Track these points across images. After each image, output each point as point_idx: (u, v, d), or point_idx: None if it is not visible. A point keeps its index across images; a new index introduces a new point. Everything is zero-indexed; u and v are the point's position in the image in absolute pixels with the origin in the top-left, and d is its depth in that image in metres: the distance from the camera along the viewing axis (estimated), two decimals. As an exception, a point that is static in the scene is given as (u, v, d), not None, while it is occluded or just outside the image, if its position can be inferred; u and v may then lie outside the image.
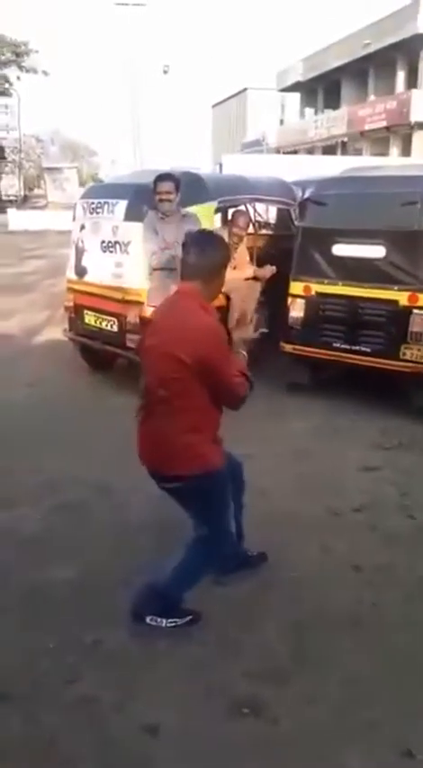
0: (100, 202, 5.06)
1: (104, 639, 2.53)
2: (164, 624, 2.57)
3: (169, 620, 2.58)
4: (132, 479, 3.83)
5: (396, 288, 4.49)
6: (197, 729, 2.15)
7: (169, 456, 2.42)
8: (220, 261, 2.41)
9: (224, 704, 2.24)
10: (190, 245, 2.41)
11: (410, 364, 4.46)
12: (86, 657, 2.45)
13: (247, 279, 5.67)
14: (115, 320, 5.02)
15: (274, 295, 5.43)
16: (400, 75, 25.31)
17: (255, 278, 5.58)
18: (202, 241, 2.43)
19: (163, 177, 4.50)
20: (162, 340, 2.37)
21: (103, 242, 5.03)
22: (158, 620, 2.57)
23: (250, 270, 5.87)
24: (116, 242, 4.92)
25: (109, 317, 5.09)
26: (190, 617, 2.61)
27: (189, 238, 2.47)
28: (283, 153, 28.22)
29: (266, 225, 7.20)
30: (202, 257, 2.36)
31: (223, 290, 5.36)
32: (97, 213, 5.10)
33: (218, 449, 2.50)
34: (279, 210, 6.41)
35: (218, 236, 2.54)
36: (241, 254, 5.92)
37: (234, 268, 5.80)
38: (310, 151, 28.68)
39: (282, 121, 37.51)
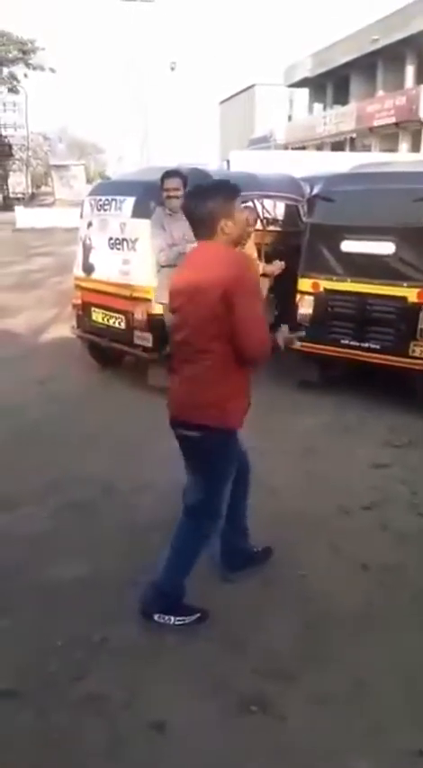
0: (107, 199, 5.06)
1: (112, 637, 2.52)
2: (172, 622, 2.57)
3: (177, 618, 2.58)
4: (141, 477, 3.85)
5: (405, 284, 4.46)
6: (204, 726, 2.14)
7: (195, 405, 2.43)
8: (220, 210, 2.32)
9: (232, 701, 2.23)
10: (187, 202, 2.44)
11: (420, 361, 4.42)
12: (94, 655, 2.45)
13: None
14: (123, 317, 5.02)
15: (282, 292, 5.41)
16: (410, 71, 25.11)
17: (263, 274, 5.55)
18: (195, 195, 2.42)
19: (170, 174, 4.48)
20: (191, 288, 2.36)
21: (111, 239, 5.02)
22: (166, 617, 2.58)
23: (258, 266, 5.85)
24: (124, 239, 4.91)
25: (117, 315, 5.09)
26: (198, 615, 2.60)
27: (187, 195, 2.46)
28: (292, 149, 28.10)
29: (275, 221, 7.17)
30: (197, 212, 2.35)
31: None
32: (105, 210, 5.10)
33: (242, 411, 2.51)
34: (287, 207, 6.38)
35: (214, 186, 2.47)
36: (249, 251, 5.90)
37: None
38: (319, 147, 28.54)
39: (290, 117, 37.35)
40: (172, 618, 2.58)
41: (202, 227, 2.37)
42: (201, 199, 2.36)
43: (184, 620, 2.58)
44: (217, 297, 2.25)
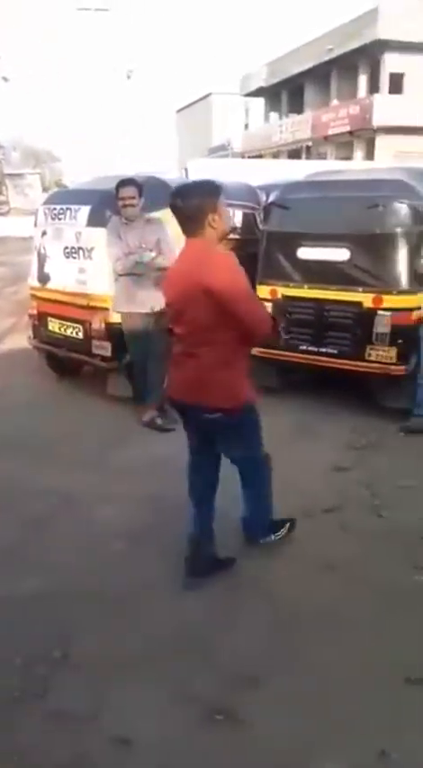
0: (62, 208, 5.01)
1: (73, 652, 2.48)
2: (273, 538, 3.09)
3: (276, 534, 3.10)
4: (100, 488, 3.81)
5: (361, 290, 4.54)
6: (170, 739, 2.12)
7: (207, 391, 2.58)
8: (206, 206, 2.48)
9: (197, 711, 2.22)
10: (173, 201, 2.53)
11: (376, 365, 4.50)
12: (56, 671, 2.40)
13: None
14: (80, 327, 4.96)
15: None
16: (363, 80, 25.71)
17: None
18: (182, 194, 2.53)
19: (125, 183, 4.46)
20: (186, 284, 2.51)
21: (67, 248, 4.97)
22: (268, 537, 3.09)
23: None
24: (79, 248, 4.87)
25: (74, 324, 5.03)
26: (288, 523, 3.14)
27: (173, 194, 2.55)
28: (249, 157, 28.41)
29: (232, 229, 7.20)
30: (186, 210, 2.49)
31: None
32: (60, 219, 5.04)
33: (250, 383, 2.72)
34: (244, 215, 6.43)
35: (199, 185, 2.62)
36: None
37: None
38: (276, 155, 28.93)
39: (246, 126, 37.76)
40: (272, 536, 3.09)
41: (191, 222, 2.50)
42: (188, 196, 2.49)
43: (281, 533, 3.11)
44: (213, 303, 2.43)
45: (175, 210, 2.53)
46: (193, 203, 2.48)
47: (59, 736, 2.13)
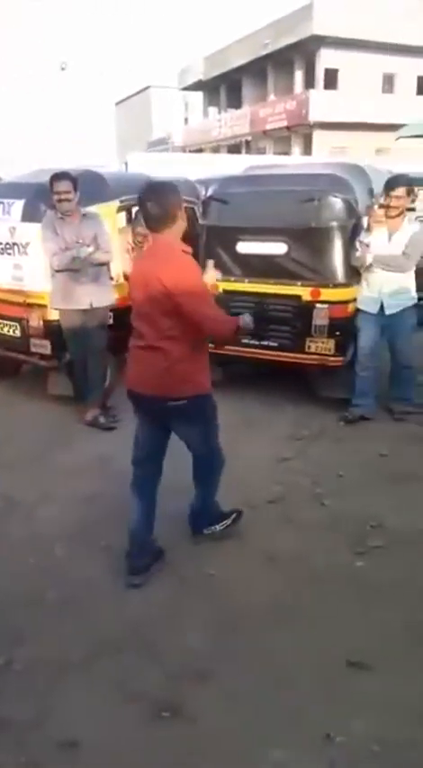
0: (-5, 203, 4.84)
1: (16, 659, 2.42)
2: (218, 528, 3.17)
3: (220, 524, 3.17)
4: (42, 489, 3.73)
5: (299, 284, 4.60)
6: (118, 739, 2.11)
7: (171, 382, 2.71)
8: (176, 203, 2.69)
9: (144, 710, 2.21)
10: (144, 199, 2.69)
11: (315, 356, 4.59)
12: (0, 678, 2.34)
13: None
14: (17, 325, 4.82)
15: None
16: (298, 76, 26.05)
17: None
18: (153, 192, 2.70)
19: (59, 177, 4.35)
20: (147, 279, 2.64)
21: (1, 244, 4.81)
22: (212, 527, 3.17)
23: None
24: (14, 243, 4.72)
25: (10, 322, 4.88)
26: (235, 514, 3.21)
27: (142, 193, 2.72)
28: (189, 151, 28.36)
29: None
30: (158, 207, 2.64)
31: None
32: (-7, 214, 4.87)
33: (208, 375, 2.86)
34: (185, 209, 6.41)
35: (167, 184, 2.81)
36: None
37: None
38: (216, 150, 28.98)
39: (186, 120, 37.64)
40: (217, 526, 3.17)
41: (164, 218, 2.65)
42: (162, 194, 2.68)
43: (226, 523, 3.18)
44: (167, 297, 2.58)
45: (147, 206, 2.67)
46: (168, 200, 2.66)
47: (3, 744, 2.08)
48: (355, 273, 4.53)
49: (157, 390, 2.74)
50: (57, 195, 4.28)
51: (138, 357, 2.82)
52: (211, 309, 2.73)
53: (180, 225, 2.72)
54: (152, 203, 2.65)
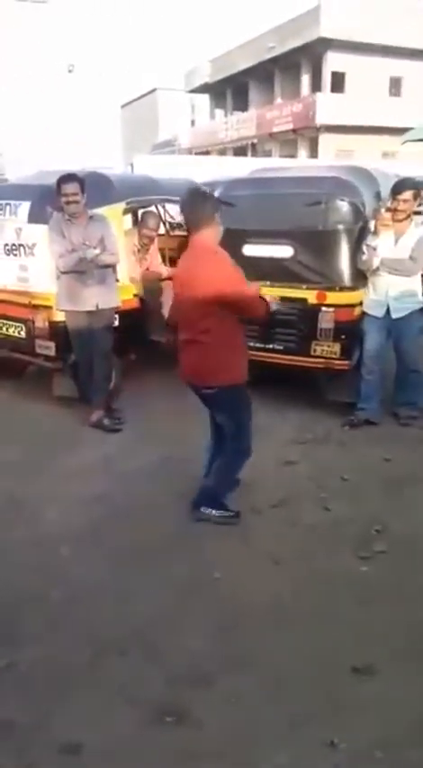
0: (1, 204, 4.85)
1: (19, 660, 2.42)
2: (214, 513, 3.34)
3: (218, 512, 3.34)
4: (46, 491, 3.73)
5: (305, 287, 4.59)
6: (120, 744, 2.10)
7: (201, 372, 3.13)
8: (210, 208, 3.04)
9: (147, 714, 2.20)
10: (183, 204, 3.13)
11: (321, 360, 4.57)
12: (2, 680, 2.33)
13: (161, 280, 5.64)
14: (23, 326, 4.83)
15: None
16: (305, 79, 26.05)
17: (169, 279, 5.55)
18: (190, 198, 3.08)
19: (67, 178, 4.34)
20: (186, 285, 3.03)
21: (7, 245, 4.82)
22: (209, 510, 3.34)
23: (164, 271, 5.84)
24: (20, 245, 4.73)
25: (16, 323, 4.89)
26: (234, 513, 3.35)
27: (182, 199, 3.15)
28: (196, 154, 28.40)
29: (179, 226, 7.18)
30: (194, 210, 3.02)
31: (136, 291, 5.33)
32: None
33: (244, 367, 3.20)
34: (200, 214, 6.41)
35: (202, 192, 3.21)
36: (153, 256, 5.89)
37: (146, 269, 5.76)
38: (222, 152, 29.03)
39: (193, 123, 37.70)
40: (214, 511, 3.34)
41: (205, 220, 3.00)
42: (203, 200, 3.07)
43: (223, 513, 3.34)
44: (210, 292, 2.91)
45: (192, 211, 3.03)
46: (208, 204, 3.04)
47: (6, 746, 2.08)
48: (361, 277, 4.52)
49: (194, 379, 3.19)
50: (65, 197, 4.29)
51: (181, 349, 3.20)
52: (249, 290, 3.11)
53: (216, 228, 3.05)
54: (199, 206, 3.02)
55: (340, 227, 4.51)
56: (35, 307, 4.71)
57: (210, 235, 3.03)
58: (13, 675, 2.36)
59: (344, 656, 2.44)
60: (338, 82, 24.84)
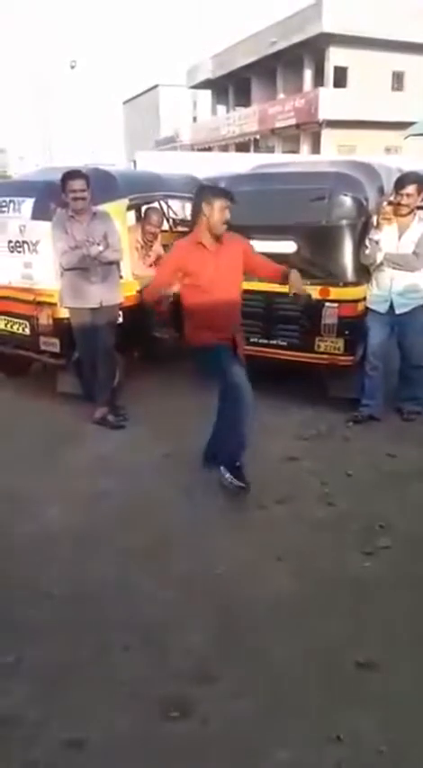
0: (5, 200, 4.85)
1: (23, 657, 2.43)
2: (227, 477, 3.56)
3: (229, 476, 3.55)
4: (49, 488, 3.74)
5: (308, 282, 4.54)
6: (125, 739, 2.10)
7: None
8: (197, 202, 3.48)
9: (151, 709, 2.20)
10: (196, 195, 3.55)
11: (324, 356, 4.57)
12: (9, 676, 2.34)
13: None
14: (27, 323, 4.84)
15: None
16: (308, 74, 25.97)
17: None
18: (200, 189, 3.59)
19: (73, 175, 4.34)
20: None
21: (11, 242, 4.82)
22: (222, 471, 3.59)
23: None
24: (24, 241, 4.73)
25: (20, 320, 4.89)
26: (245, 485, 3.51)
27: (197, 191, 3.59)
28: (198, 150, 28.35)
29: (182, 222, 7.18)
30: (194, 202, 3.57)
31: (139, 288, 5.32)
32: (2, 212, 4.88)
33: (199, 336, 3.57)
34: (193, 207, 6.42)
35: (198, 186, 3.76)
36: (156, 252, 5.88)
37: (150, 266, 5.75)
38: (224, 148, 28.96)
39: (195, 119, 37.62)
40: (227, 475, 3.56)
41: (195, 213, 3.50)
42: (195, 194, 3.57)
43: (233, 480, 3.53)
44: None
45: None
46: (197, 197, 3.47)
47: (10, 742, 2.09)
48: (364, 272, 4.51)
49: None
50: (73, 193, 4.28)
51: None
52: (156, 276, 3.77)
53: (202, 219, 3.43)
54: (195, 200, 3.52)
55: (343, 222, 4.49)
56: (39, 304, 4.71)
57: (198, 226, 3.44)
58: (19, 671, 2.37)
59: (347, 651, 2.44)
60: (341, 77, 24.76)
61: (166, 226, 6.43)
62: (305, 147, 25.20)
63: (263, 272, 3.76)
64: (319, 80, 25.27)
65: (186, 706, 2.21)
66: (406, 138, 13.76)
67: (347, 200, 4.50)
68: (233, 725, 2.15)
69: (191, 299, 3.52)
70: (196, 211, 3.43)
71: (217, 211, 3.41)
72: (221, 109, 33.29)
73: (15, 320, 4.96)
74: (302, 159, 13.74)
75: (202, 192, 3.49)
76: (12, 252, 4.86)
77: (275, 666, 2.39)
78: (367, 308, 4.52)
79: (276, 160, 11.24)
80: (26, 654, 2.44)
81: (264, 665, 2.40)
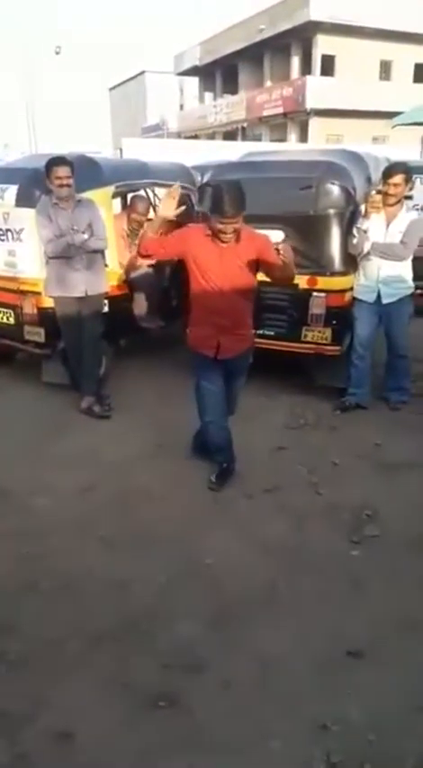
0: (-12, 188, 4.76)
1: (9, 649, 2.41)
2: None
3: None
4: (36, 479, 3.70)
5: (296, 271, 4.55)
6: (113, 730, 2.10)
7: None
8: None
9: (140, 700, 2.20)
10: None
11: (311, 345, 4.56)
12: (-6, 669, 2.33)
13: (151, 265, 5.58)
14: (11, 312, 4.77)
15: (178, 281, 5.37)
16: (295, 62, 25.81)
17: (158, 264, 5.49)
18: None
19: (58, 161, 4.26)
20: None
21: (-6, 230, 4.74)
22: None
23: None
24: (8, 229, 4.65)
25: (4, 309, 4.82)
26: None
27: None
28: (185, 138, 28.11)
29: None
30: None
31: (126, 277, 5.27)
32: (-14, 199, 4.79)
33: (196, 335, 3.43)
34: (181, 196, 6.35)
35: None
36: (143, 241, 5.81)
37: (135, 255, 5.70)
38: (212, 136, 28.76)
39: (182, 106, 37.28)
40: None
41: None
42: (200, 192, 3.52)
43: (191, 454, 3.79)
44: None
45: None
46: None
47: (-2, 736, 2.07)
48: (352, 262, 4.49)
49: None
50: (58, 180, 4.21)
51: None
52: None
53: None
54: None
55: (331, 211, 4.47)
56: (23, 292, 4.65)
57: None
58: (5, 664, 2.35)
59: (336, 640, 2.45)
60: (328, 65, 24.64)
61: (152, 214, 6.36)
62: (293, 136, 25.09)
63: (277, 273, 3.30)
64: (306, 68, 25.11)
65: (175, 696, 2.21)
66: (393, 127, 13.71)
67: (335, 190, 4.48)
68: (222, 715, 2.15)
69: (194, 286, 3.32)
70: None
71: (215, 224, 3.12)
72: (209, 96, 33.01)
73: None
74: (291, 148, 13.68)
75: (205, 195, 3.38)
76: (-5, 240, 4.78)
77: (264, 656, 2.40)
78: (354, 298, 4.52)
79: (265, 148, 11.17)
80: (11, 647, 2.42)
81: (252, 654, 2.40)
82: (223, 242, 3.15)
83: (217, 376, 3.44)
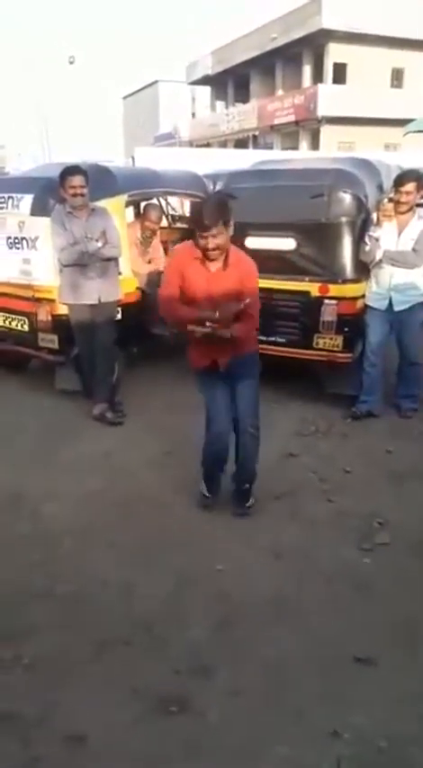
0: (3, 197, 4.84)
1: (23, 654, 2.43)
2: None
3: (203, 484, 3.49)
4: (48, 485, 3.74)
5: (307, 279, 4.58)
6: (125, 734, 2.11)
7: None
8: None
9: (151, 705, 2.21)
10: None
11: (323, 353, 4.57)
12: (7, 673, 2.35)
13: (162, 273, 5.63)
14: (26, 319, 4.83)
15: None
16: (307, 70, 25.89)
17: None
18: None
19: (73, 171, 4.33)
20: None
21: (9, 238, 4.81)
22: (250, 500, 3.45)
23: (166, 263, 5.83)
24: (23, 238, 4.72)
25: (19, 316, 4.89)
26: (208, 495, 3.49)
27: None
28: (197, 146, 28.28)
29: (181, 218, 7.17)
30: None
31: (138, 284, 5.32)
32: (2, 208, 4.88)
33: (192, 354, 3.25)
34: (192, 203, 6.41)
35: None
36: (155, 248, 5.87)
37: (148, 262, 5.75)
38: (223, 144, 28.91)
39: (194, 115, 37.52)
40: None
41: None
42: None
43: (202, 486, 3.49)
44: None
45: None
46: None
47: (11, 738, 2.09)
48: (363, 269, 4.51)
49: None
50: (73, 189, 4.27)
51: None
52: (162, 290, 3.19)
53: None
54: None
55: (343, 219, 4.49)
56: (38, 300, 4.71)
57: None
58: (19, 668, 2.37)
59: (346, 646, 2.45)
60: (340, 73, 24.70)
61: (165, 222, 6.42)
62: (304, 144, 25.15)
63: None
64: (318, 76, 25.19)
65: (186, 701, 2.22)
66: (405, 134, 13.73)
67: (347, 198, 4.50)
68: (232, 720, 2.16)
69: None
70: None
71: (198, 239, 2.95)
72: (220, 105, 33.19)
73: (14, 316, 4.95)
74: (303, 156, 13.73)
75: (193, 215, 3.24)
76: (11, 248, 4.85)
77: (274, 662, 2.40)
78: (366, 306, 4.53)
79: (277, 157, 11.22)
80: (24, 651, 2.45)
81: (263, 660, 2.41)
82: (210, 260, 2.98)
83: (221, 389, 3.26)
